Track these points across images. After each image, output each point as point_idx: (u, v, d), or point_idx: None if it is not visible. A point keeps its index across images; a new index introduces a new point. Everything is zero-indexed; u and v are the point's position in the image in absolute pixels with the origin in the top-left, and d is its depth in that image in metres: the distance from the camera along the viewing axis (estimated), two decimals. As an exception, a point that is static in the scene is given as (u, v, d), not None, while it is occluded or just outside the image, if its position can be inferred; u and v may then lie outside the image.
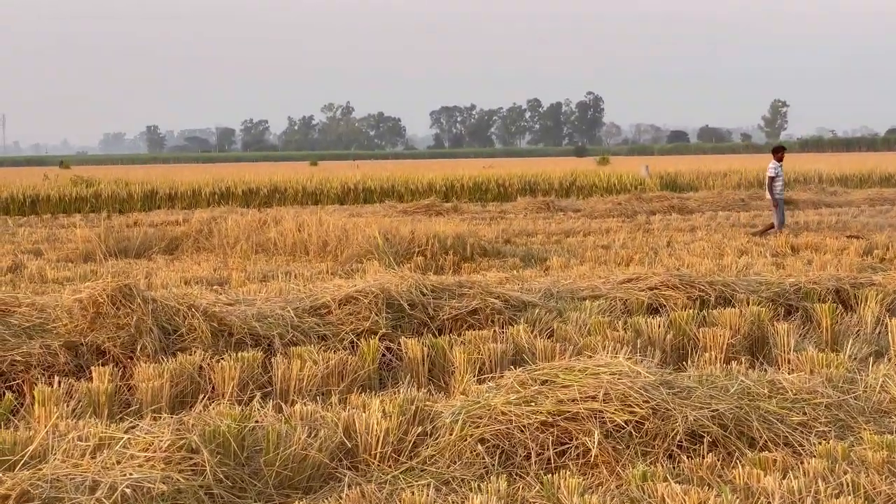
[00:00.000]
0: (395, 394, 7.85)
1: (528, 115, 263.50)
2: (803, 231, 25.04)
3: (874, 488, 5.64)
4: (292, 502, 6.19)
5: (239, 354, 9.03)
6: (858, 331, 11.41)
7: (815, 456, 6.46)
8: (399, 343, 9.84)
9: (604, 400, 7.06)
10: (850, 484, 5.69)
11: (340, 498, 5.91)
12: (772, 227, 24.57)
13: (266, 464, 6.58)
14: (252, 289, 13.56)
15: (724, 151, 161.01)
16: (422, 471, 6.77)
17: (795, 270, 15.62)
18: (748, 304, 11.85)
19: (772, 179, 24.11)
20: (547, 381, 7.39)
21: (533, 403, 7.13)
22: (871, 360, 9.47)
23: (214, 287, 14.16)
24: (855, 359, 9.54)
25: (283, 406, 7.76)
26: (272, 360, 9.09)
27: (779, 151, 24.85)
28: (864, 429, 7.38)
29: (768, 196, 24.39)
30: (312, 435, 6.88)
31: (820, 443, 6.91)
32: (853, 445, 6.71)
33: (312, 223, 19.96)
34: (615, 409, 7.01)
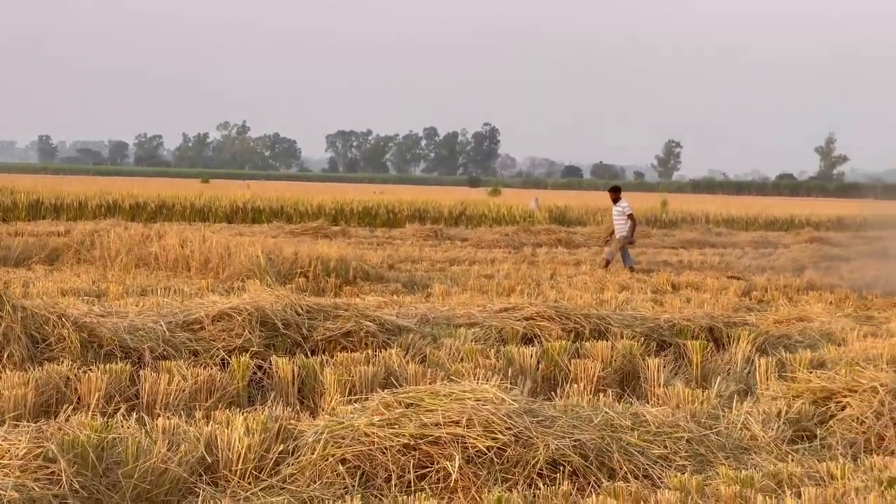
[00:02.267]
0: (259, 411, 7.81)
1: (423, 142, 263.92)
2: (686, 270, 25.37)
3: (724, 522, 5.72)
4: (148, 516, 6.11)
5: (107, 366, 8.93)
6: (728, 368, 11.58)
7: (669, 488, 6.53)
8: (270, 361, 9.80)
9: (467, 425, 7.10)
10: (701, 516, 5.77)
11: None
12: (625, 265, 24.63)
13: (124, 476, 6.51)
14: (129, 302, 13.44)
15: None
16: (281, 489, 6.74)
17: (673, 307, 15.82)
18: (622, 337, 11.98)
19: (630, 217, 24.39)
20: (412, 404, 7.41)
21: (396, 426, 7.14)
22: (736, 397, 9.61)
23: (91, 299, 13.99)
24: (722, 396, 9.67)
25: (147, 419, 7.68)
26: (141, 372, 9.00)
27: (618, 191, 25.22)
28: (723, 464, 7.50)
29: (623, 234, 24.50)
30: (173, 449, 6.82)
31: (676, 476, 6.99)
32: (709, 480, 6.81)
33: (196, 239, 19.81)
34: (478, 435, 7.04)
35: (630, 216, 24.47)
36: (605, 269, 23.68)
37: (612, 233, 24.95)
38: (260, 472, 6.93)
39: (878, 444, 8.43)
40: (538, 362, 10.48)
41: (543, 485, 6.70)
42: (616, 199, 24.97)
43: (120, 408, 8.19)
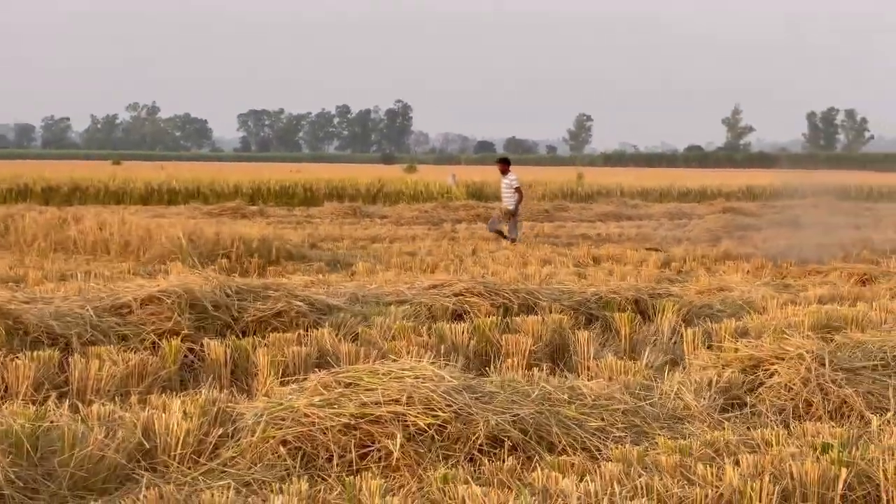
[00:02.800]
0: (196, 395, 7.76)
1: (336, 120, 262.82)
2: (605, 243, 25.55)
3: (667, 491, 5.78)
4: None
5: (35, 353, 8.80)
6: (655, 340, 11.68)
7: (611, 460, 6.58)
8: (202, 344, 9.73)
9: (407, 403, 7.09)
10: (645, 487, 5.83)
11: (138, 499, 5.81)
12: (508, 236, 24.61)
13: (61, 465, 6.44)
14: (50, 287, 13.25)
15: (529, 163, 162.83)
16: (222, 472, 6.71)
17: (597, 280, 15.92)
18: (550, 311, 12.03)
19: (518, 190, 24.41)
20: (351, 383, 7.39)
21: (336, 406, 7.12)
22: (666, 368, 9.70)
23: (10, 285, 13.80)
24: (651, 367, 9.75)
25: (81, 406, 7.59)
26: (70, 359, 8.89)
27: (506, 163, 25.19)
28: (659, 434, 7.57)
29: (510, 207, 24.48)
30: (110, 435, 6.75)
31: (616, 447, 7.05)
32: (648, 450, 6.87)
33: (115, 222, 19.62)
34: (418, 413, 7.04)
35: (517, 189, 24.37)
36: (512, 245, 23.52)
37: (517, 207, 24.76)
38: (199, 457, 6.89)
39: (807, 410, 8.55)
40: (470, 338, 10.50)
41: (488, 460, 6.72)
42: (504, 171, 24.82)
43: (50, 395, 8.10)
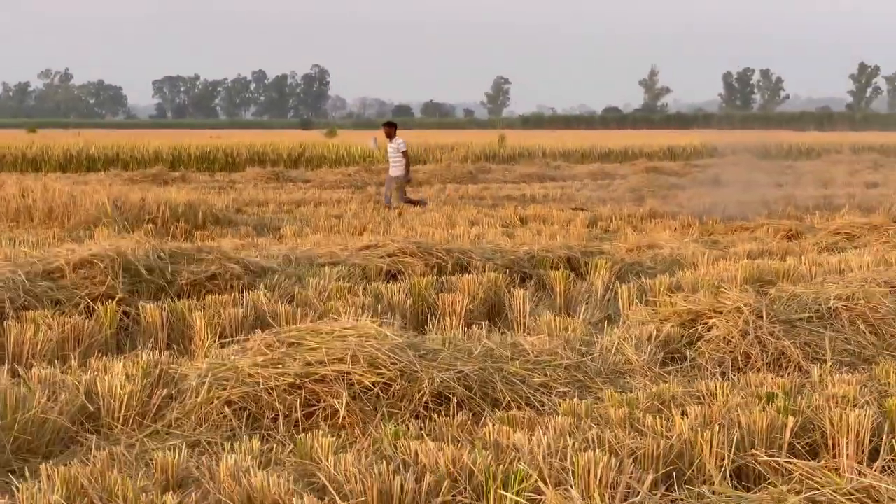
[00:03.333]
0: (137, 357, 7.67)
1: (253, 86, 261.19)
2: (530, 203, 25.61)
3: (619, 443, 5.79)
4: (31, 467, 5.94)
5: (-33, 319, 8.66)
6: (589, 297, 11.73)
7: (560, 414, 6.60)
8: (137, 308, 9.62)
9: (352, 362, 7.06)
10: (596, 439, 5.84)
11: (88, 460, 5.72)
12: (418, 202, 24.46)
13: (4, 429, 6.33)
14: (-26, 254, 13.02)
15: (447, 126, 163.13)
16: (167, 434, 6.64)
17: (526, 240, 15.95)
18: (484, 270, 12.03)
19: (404, 154, 24.29)
20: (294, 343, 7.35)
21: (280, 366, 7.08)
22: (604, 324, 9.74)
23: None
24: (589, 323, 9.80)
25: (20, 370, 7.48)
26: (4, 324, 8.75)
27: (393, 127, 24.98)
28: (601, 389, 7.60)
29: (398, 173, 24.27)
30: (52, 399, 6.65)
31: (560, 403, 7.07)
32: (595, 404, 6.89)
33: (37, 189, 19.33)
34: (363, 371, 7.01)
35: (404, 153, 24.16)
36: (397, 210, 23.30)
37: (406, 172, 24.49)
38: (144, 418, 6.81)
39: (745, 362, 8.62)
40: (406, 298, 10.47)
41: (438, 416, 6.71)
42: (391, 136, 24.53)
43: (-14, 361, 7.97)
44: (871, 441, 6.07)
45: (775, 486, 4.31)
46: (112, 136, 61.49)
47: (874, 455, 6.03)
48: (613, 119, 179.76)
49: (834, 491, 3.96)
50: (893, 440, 6.05)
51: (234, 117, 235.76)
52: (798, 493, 4.01)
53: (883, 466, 5.62)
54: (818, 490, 3.99)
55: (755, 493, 4.38)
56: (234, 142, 50.72)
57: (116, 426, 6.72)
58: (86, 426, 6.69)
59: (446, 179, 35.01)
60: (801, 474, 4.22)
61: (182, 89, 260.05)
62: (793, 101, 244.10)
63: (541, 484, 4.63)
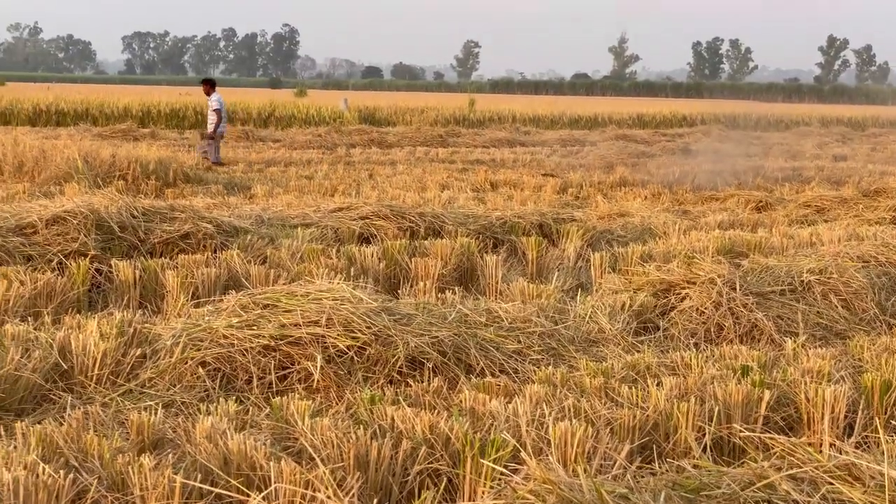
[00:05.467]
0: (109, 315, 7.62)
1: (222, 44, 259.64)
2: (500, 168, 25.58)
3: (595, 412, 5.79)
4: (4, 424, 5.89)
5: (-62, 273, 8.58)
6: (561, 264, 11.73)
7: (535, 382, 6.59)
8: (110, 265, 9.55)
9: (326, 325, 7.03)
10: (573, 408, 5.84)
11: (62, 419, 5.69)
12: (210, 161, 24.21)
13: (-25, 384, 6.28)
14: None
15: (417, 89, 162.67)
16: (141, 393, 6.59)
17: (497, 205, 15.94)
18: (457, 235, 12.01)
19: (217, 112, 24.06)
20: (269, 305, 7.31)
21: (255, 327, 7.05)
22: (577, 292, 9.74)
23: None
24: (561, 291, 9.79)
25: (-8, 327, 7.42)
26: (-25, 279, 8.68)
27: (210, 84, 24.78)
28: (575, 357, 7.60)
29: (210, 130, 24.26)
30: (25, 356, 6.60)
31: (535, 370, 7.07)
32: (570, 372, 6.89)
33: (7, 143, 19.17)
34: (338, 335, 6.99)
35: (216, 111, 23.98)
36: (215, 166, 23.23)
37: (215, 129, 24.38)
38: (117, 377, 6.76)
39: (718, 333, 8.65)
40: (379, 261, 10.44)
41: (413, 382, 6.69)
42: (208, 93, 24.45)
43: (-43, 316, 7.90)
44: (845, 417, 6.10)
45: (756, 461, 4.31)
46: (82, 91, 60.95)
47: (848, 431, 6.06)
48: (582, 85, 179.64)
49: (816, 468, 3.96)
50: (868, 416, 6.09)
51: (202, 75, 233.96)
52: (779, 469, 4.01)
53: (857, 442, 5.65)
54: (801, 467, 3.99)
55: (735, 467, 4.37)
56: (204, 100, 50.37)
57: (90, 385, 6.67)
58: (59, 384, 6.64)
59: (416, 142, 34.91)
60: (781, 450, 4.22)
61: (151, 45, 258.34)
62: (761, 71, 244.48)
63: (522, 453, 4.61)
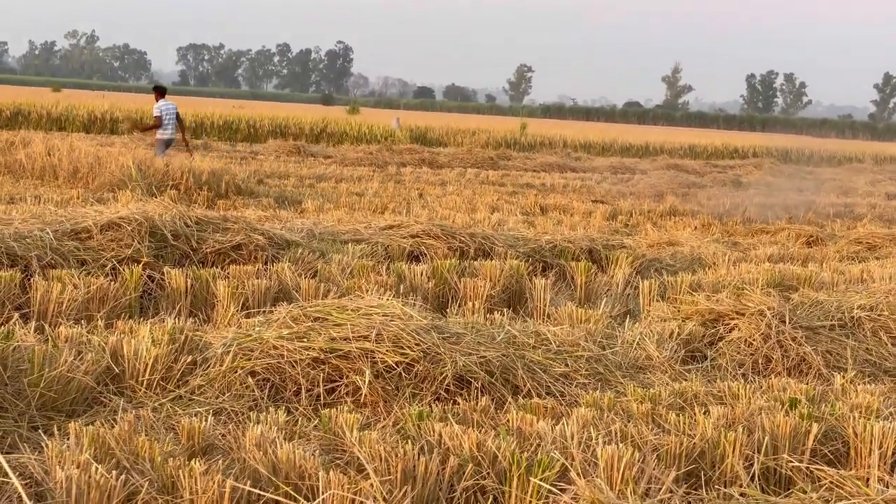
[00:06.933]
0: (161, 322, 7.70)
1: (276, 59, 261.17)
2: (550, 193, 25.61)
3: (642, 437, 5.80)
4: (56, 424, 5.97)
5: (-5, 273, 8.68)
6: (609, 290, 11.73)
7: (582, 405, 6.61)
8: (161, 272, 9.64)
9: (376, 340, 7.07)
10: (619, 432, 5.85)
11: (115, 421, 5.75)
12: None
13: (30, 385, 6.35)
14: (0, 209, 13.08)
15: (469, 111, 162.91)
16: (190, 400, 6.66)
17: (546, 229, 15.96)
18: (506, 257, 12.04)
19: (158, 118, 23.61)
20: (319, 318, 7.36)
21: (305, 339, 7.09)
22: (625, 318, 9.75)
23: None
24: (610, 316, 9.80)
25: (47, 328, 7.51)
26: (31, 281, 8.78)
27: (160, 92, 24.48)
28: (621, 383, 7.61)
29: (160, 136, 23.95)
30: (78, 358, 6.67)
31: (581, 394, 7.08)
32: (618, 397, 6.90)
33: (63, 148, 19.37)
34: (387, 350, 7.02)
35: (157, 118, 23.53)
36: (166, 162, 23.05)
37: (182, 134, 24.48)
38: (167, 383, 6.83)
39: (766, 365, 8.63)
40: (429, 280, 10.48)
41: (462, 400, 6.72)
42: (157, 100, 24.09)
43: (12, 316, 7.99)
44: (893, 453, 6.07)
45: (804, 492, 4.31)
46: (136, 100, 61.48)
47: (896, 468, 6.04)
48: (634, 114, 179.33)
49: (864, 500, 3.97)
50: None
51: (255, 89, 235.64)
52: (827, 501, 4.02)
53: (906, 478, 5.62)
54: (849, 499, 3.99)
55: (783, 497, 4.38)
56: (257, 113, 50.73)
57: (140, 389, 6.74)
58: (110, 387, 6.71)
59: (467, 164, 34.99)
60: (830, 482, 4.22)
61: (206, 58, 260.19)
62: (814, 107, 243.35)
63: (571, 472, 4.64)
